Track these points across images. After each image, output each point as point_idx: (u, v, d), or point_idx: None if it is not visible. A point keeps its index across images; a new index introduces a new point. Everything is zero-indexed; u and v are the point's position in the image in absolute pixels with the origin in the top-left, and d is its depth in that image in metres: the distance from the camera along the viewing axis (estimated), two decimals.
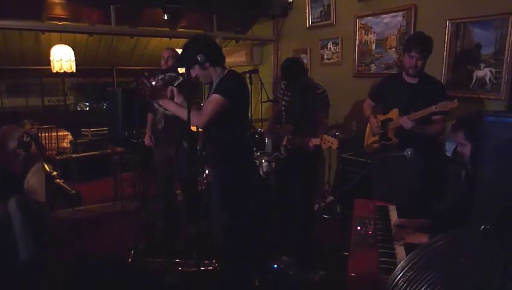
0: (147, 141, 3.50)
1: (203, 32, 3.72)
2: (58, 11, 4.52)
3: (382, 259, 1.66)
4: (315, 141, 2.77)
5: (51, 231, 3.34)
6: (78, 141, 5.91)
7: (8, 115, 6.29)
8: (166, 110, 2.35)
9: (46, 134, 5.38)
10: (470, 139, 1.83)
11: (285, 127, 3.20)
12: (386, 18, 3.77)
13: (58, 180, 4.42)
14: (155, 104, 2.34)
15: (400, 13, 3.63)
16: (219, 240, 2.45)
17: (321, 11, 4.49)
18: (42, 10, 4.30)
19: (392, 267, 1.53)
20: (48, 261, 2.97)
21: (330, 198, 2.84)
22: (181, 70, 3.52)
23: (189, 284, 2.69)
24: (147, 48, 6.52)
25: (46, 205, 3.33)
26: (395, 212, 2.21)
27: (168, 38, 6.08)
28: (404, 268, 0.98)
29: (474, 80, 3.09)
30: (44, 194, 3.20)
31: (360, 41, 4.07)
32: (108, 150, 5.01)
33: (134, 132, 3.43)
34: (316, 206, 3.62)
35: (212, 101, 2.18)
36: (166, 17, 4.35)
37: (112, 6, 4.09)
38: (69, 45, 5.33)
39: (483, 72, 3.02)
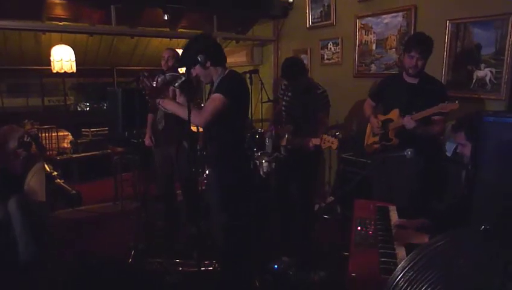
0: (147, 141, 3.50)
1: (203, 32, 3.71)
2: (59, 11, 4.52)
3: (382, 259, 1.66)
4: (315, 141, 2.77)
5: (51, 231, 3.34)
6: (79, 141, 5.92)
7: (8, 115, 6.29)
8: (167, 109, 2.36)
9: (47, 134, 5.38)
10: (471, 139, 1.82)
11: (285, 128, 3.20)
12: (386, 18, 3.77)
13: (59, 180, 4.42)
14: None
15: (400, 13, 3.63)
16: (219, 240, 2.45)
17: (321, 12, 4.49)
18: (42, 10, 4.31)
19: (392, 267, 1.53)
20: (48, 261, 2.97)
21: (330, 198, 2.84)
22: (181, 70, 3.54)
23: (189, 285, 2.69)
24: (147, 48, 6.52)
25: (47, 205, 3.33)
26: (396, 212, 2.21)
27: (169, 39, 6.08)
28: (405, 268, 0.98)
29: (474, 80, 3.09)
30: (45, 194, 3.20)
31: (360, 42, 4.07)
32: (109, 150, 5.01)
33: (134, 132, 3.43)
34: (317, 206, 3.62)
35: (214, 100, 2.18)
36: (166, 18, 4.35)
37: (112, 6, 4.09)
38: (69, 45, 5.33)
39: (484, 73, 3.02)
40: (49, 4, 4.30)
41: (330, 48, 4.47)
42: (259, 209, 3.30)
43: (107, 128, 5.84)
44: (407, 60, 2.57)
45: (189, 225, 3.47)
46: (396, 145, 2.65)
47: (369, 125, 2.96)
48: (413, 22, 3.51)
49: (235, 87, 2.26)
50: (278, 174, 3.35)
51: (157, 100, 2.29)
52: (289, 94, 3.19)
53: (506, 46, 2.85)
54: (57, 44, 5.30)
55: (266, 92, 4.59)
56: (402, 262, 1.01)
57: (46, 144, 5.24)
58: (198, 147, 3.32)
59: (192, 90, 2.61)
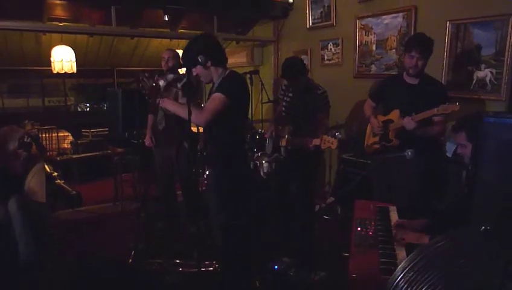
0: (147, 141, 3.50)
1: (204, 33, 3.71)
2: (59, 12, 4.53)
3: (383, 260, 1.66)
4: (315, 141, 2.77)
5: (51, 231, 3.34)
6: (79, 141, 5.92)
7: (8, 116, 6.31)
8: (167, 109, 2.36)
9: (47, 135, 5.39)
10: (472, 139, 1.82)
11: (284, 128, 3.20)
12: (387, 19, 3.77)
13: (59, 180, 4.42)
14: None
15: (400, 14, 3.63)
16: (219, 240, 2.45)
17: (321, 12, 4.50)
18: (43, 11, 4.31)
19: (392, 268, 1.53)
20: (48, 261, 2.97)
21: (331, 199, 2.83)
22: (181, 71, 3.54)
23: (189, 285, 2.69)
24: (147, 49, 6.53)
25: (47, 206, 3.33)
26: (396, 213, 2.21)
27: (169, 39, 6.09)
28: (405, 269, 0.98)
29: (474, 81, 3.09)
30: (45, 195, 3.20)
31: (361, 42, 4.07)
32: (109, 151, 5.02)
33: (134, 132, 3.43)
34: (317, 207, 3.62)
35: (214, 99, 2.18)
36: (166, 18, 4.35)
37: (112, 7, 4.10)
38: (69, 46, 5.33)
39: (484, 73, 3.03)
40: (50, 5, 4.31)
41: (330, 49, 4.47)
42: (259, 209, 3.30)
43: (107, 128, 5.85)
44: (408, 60, 2.57)
45: (189, 225, 3.48)
46: (397, 146, 2.65)
47: (369, 125, 2.96)
48: (413, 22, 3.52)
49: (236, 87, 2.26)
50: (278, 174, 3.36)
51: (158, 100, 2.29)
52: (290, 95, 3.19)
53: (507, 47, 2.85)
54: (58, 45, 5.30)
55: (266, 92, 4.59)
56: (402, 263, 1.01)
57: (46, 144, 5.24)
58: (198, 148, 3.33)
59: (192, 90, 2.61)
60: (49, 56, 5.27)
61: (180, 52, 3.05)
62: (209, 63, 2.22)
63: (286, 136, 3.12)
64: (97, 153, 5.56)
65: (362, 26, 4.03)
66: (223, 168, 2.35)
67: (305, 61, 4.56)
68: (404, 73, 2.70)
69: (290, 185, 3.27)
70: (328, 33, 4.45)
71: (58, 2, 4.25)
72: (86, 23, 4.84)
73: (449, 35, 3.21)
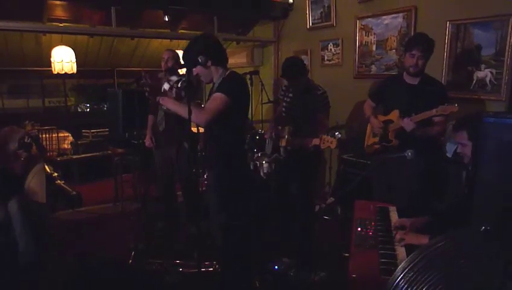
0: (147, 142, 3.50)
1: (204, 33, 3.70)
2: (59, 13, 4.53)
3: (383, 260, 1.66)
4: (314, 141, 2.77)
5: (51, 232, 3.34)
6: (79, 142, 5.92)
7: (8, 116, 6.31)
8: (168, 108, 2.36)
9: (47, 135, 5.39)
10: (473, 139, 1.82)
11: (284, 129, 3.21)
12: (387, 19, 3.77)
13: (59, 181, 4.42)
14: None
15: (400, 14, 3.63)
16: (219, 240, 2.45)
17: (321, 12, 4.50)
18: (43, 11, 4.31)
19: (392, 268, 1.53)
20: (48, 262, 2.97)
21: (331, 199, 2.83)
22: (181, 71, 3.55)
23: (189, 285, 2.69)
24: (147, 50, 6.53)
25: (47, 206, 3.33)
26: (396, 213, 2.21)
27: (169, 40, 6.09)
28: (405, 269, 0.98)
29: (474, 81, 3.09)
30: (45, 195, 3.20)
31: (361, 43, 4.07)
32: (109, 151, 5.02)
33: (134, 133, 3.43)
34: (317, 207, 3.62)
35: (215, 99, 2.18)
36: (167, 19, 4.36)
37: (112, 7, 4.10)
38: (69, 46, 5.33)
39: (484, 73, 3.03)
40: (50, 5, 4.31)
41: (330, 49, 4.47)
42: (259, 209, 3.30)
43: (107, 129, 5.86)
44: (408, 59, 2.57)
45: (189, 226, 3.48)
46: (396, 146, 2.65)
47: (369, 125, 2.96)
48: (413, 22, 3.52)
49: (236, 87, 2.26)
50: (278, 174, 3.36)
51: (158, 98, 2.30)
52: (290, 95, 3.19)
53: (506, 47, 2.86)
54: (58, 45, 5.30)
55: (266, 93, 4.59)
56: (402, 263, 1.01)
57: (46, 145, 5.24)
58: (198, 148, 3.33)
59: (192, 90, 2.61)
60: (49, 57, 5.27)
61: (180, 52, 3.05)
62: (209, 63, 2.23)
63: (286, 137, 3.12)
64: (97, 153, 5.56)
65: (362, 27, 4.03)
66: (223, 168, 2.35)
67: (305, 62, 4.57)
68: (404, 73, 2.70)
69: (290, 186, 3.27)
70: (328, 33, 4.45)
71: (58, 2, 4.26)
72: (86, 24, 4.84)
73: (449, 36, 3.21)
